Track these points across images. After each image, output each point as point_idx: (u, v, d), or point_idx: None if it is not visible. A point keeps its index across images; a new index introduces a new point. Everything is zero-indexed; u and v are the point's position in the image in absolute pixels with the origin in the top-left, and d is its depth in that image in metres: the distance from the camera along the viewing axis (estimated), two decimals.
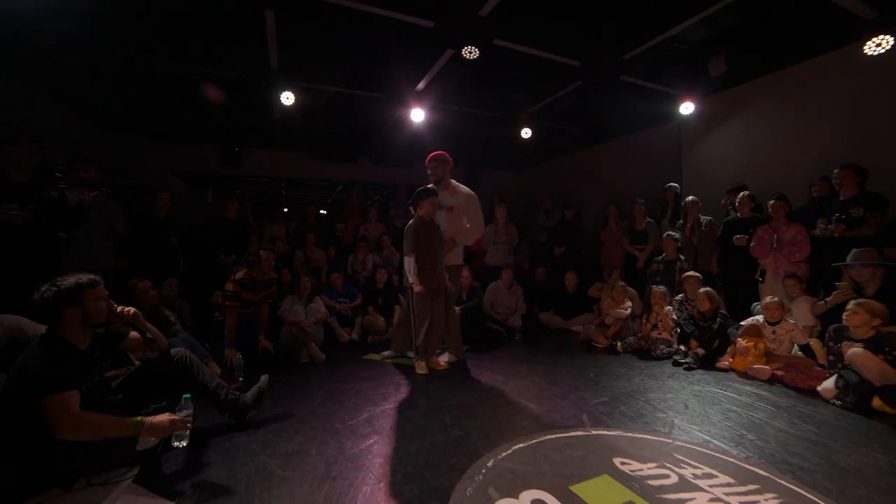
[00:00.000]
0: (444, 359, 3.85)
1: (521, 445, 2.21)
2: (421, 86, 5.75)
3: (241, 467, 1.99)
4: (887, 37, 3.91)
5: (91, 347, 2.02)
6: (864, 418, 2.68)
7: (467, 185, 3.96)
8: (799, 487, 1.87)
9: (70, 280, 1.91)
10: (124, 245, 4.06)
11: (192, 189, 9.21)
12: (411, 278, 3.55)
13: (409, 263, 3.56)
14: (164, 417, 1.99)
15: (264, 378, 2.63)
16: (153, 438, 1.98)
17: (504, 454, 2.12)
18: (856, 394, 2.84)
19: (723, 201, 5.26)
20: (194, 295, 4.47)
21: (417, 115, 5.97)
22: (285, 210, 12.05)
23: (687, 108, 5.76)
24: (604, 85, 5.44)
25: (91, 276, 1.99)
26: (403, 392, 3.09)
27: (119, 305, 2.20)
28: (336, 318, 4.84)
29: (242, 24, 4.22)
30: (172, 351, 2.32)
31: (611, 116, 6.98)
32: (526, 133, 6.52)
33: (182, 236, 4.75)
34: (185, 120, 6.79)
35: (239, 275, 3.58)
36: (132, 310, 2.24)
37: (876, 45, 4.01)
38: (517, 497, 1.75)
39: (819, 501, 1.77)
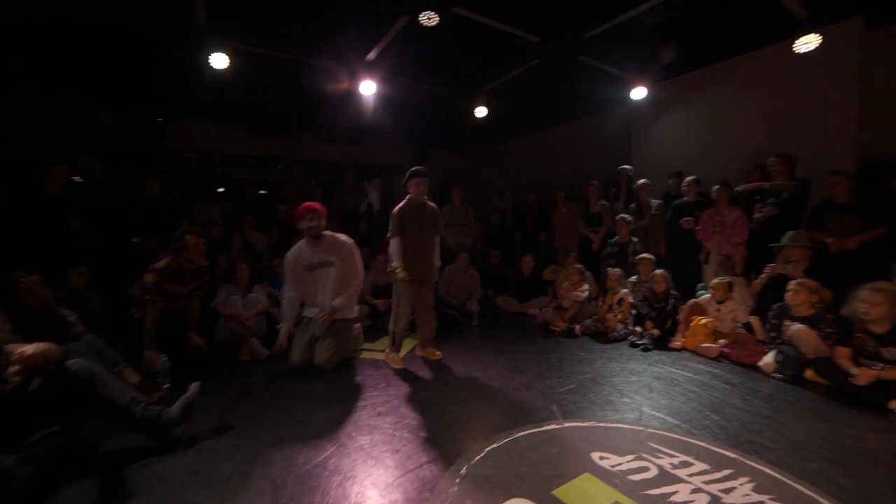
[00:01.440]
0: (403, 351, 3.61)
1: (495, 446, 2.04)
2: (372, 55, 5.29)
3: (164, 503, 1.64)
4: (815, 35, 4.12)
5: None
6: (800, 389, 2.88)
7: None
8: (766, 467, 1.89)
9: None
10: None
11: (108, 165, 8.05)
12: (395, 263, 3.32)
13: (392, 247, 3.34)
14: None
15: (194, 386, 2.22)
16: None
17: (477, 458, 1.93)
18: (793, 367, 3.01)
19: (669, 182, 5.41)
20: (110, 287, 3.82)
21: (367, 87, 5.51)
22: (220, 190, 11.01)
23: (639, 92, 5.81)
24: (562, 64, 5.32)
25: None
26: (359, 390, 2.81)
27: None
28: (279, 309, 4.39)
29: None
30: (68, 363, 1.86)
31: (566, 98, 6.94)
32: (481, 111, 6.29)
33: (85, 217, 4.00)
34: (96, 81, 5.80)
35: (161, 263, 3.05)
36: None
37: (804, 44, 4.21)
38: None
39: (785, 480, 1.79)
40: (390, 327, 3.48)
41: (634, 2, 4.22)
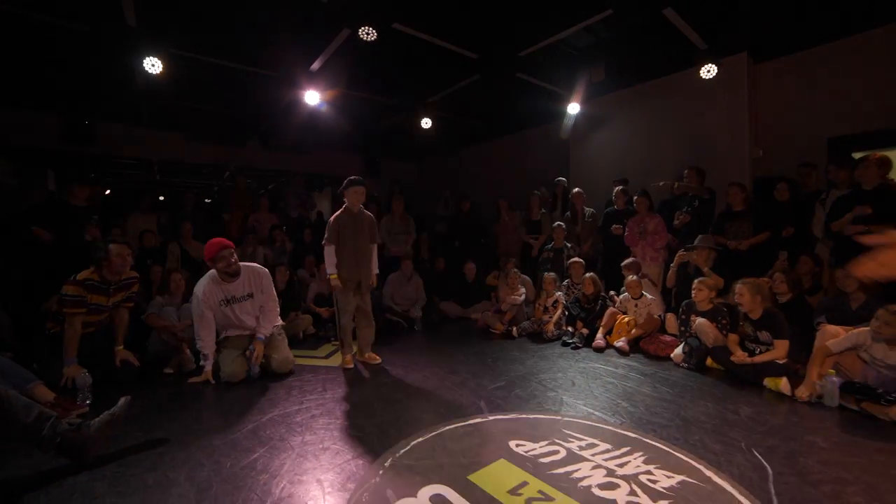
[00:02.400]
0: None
1: (420, 440, 2.17)
2: (316, 66, 5.35)
3: None
4: (713, 65, 4.71)
5: None
6: (702, 376, 3.26)
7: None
8: (658, 442, 2.16)
9: None
10: None
11: (25, 169, 7.42)
12: (329, 270, 3.42)
13: (326, 254, 3.43)
14: None
15: (123, 400, 2.13)
16: None
17: (402, 451, 2.05)
18: (696, 356, 3.39)
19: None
20: (18, 303, 3.57)
21: (312, 97, 5.55)
22: (161, 198, 10.43)
23: (574, 108, 6.26)
24: (501, 79, 5.64)
25: None
26: (295, 396, 2.85)
27: None
28: None
29: None
30: None
31: (507, 112, 7.31)
32: (426, 123, 6.50)
33: None
34: (6, 78, 5.39)
35: (84, 274, 2.92)
36: None
37: (707, 71, 4.79)
38: (416, 496, 1.70)
39: (670, 451, 2.06)
40: (338, 334, 3.57)
41: (562, 25, 4.60)
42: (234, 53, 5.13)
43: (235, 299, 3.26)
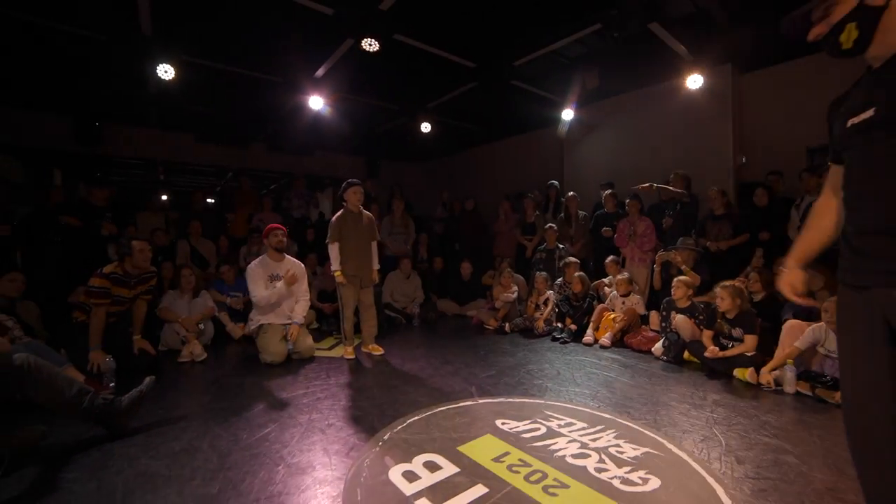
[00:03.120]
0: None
1: (416, 418, 2.41)
2: (320, 72, 5.59)
3: (115, 475, 1.84)
4: (698, 76, 4.97)
5: None
6: (679, 367, 3.52)
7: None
8: (630, 422, 2.40)
9: None
10: None
11: (33, 169, 7.66)
12: (333, 266, 3.70)
13: (331, 252, 3.71)
14: None
15: (148, 380, 2.38)
16: None
17: (399, 427, 2.30)
18: (675, 350, 3.63)
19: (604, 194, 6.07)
20: (45, 294, 3.81)
21: (316, 102, 5.80)
22: (164, 198, 10.69)
23: (568, 114, 6.51)
24: (496, 87, 5.88)
25: None
26: (301, 381, 3.09)
27: None
28: (227, 313, 4.54)
29: None
30: (14, 356, 2.02)
31: (503, 117, 7.55)
32: (426, 127, 6.74)
33: (21, 224, 3.96)
34: (20, 81, 5.64)
35: (108, 268, 3.17)
36: None
37: (693, 82, 5.05)
38: (410, 462, 1.94)
39: (640, 429, 2.31)
40: (342, 325, 3.84)
41: (554, 37, 4.85)
42: (242, 60, 5.37)
43: (279, 277, 3.80)
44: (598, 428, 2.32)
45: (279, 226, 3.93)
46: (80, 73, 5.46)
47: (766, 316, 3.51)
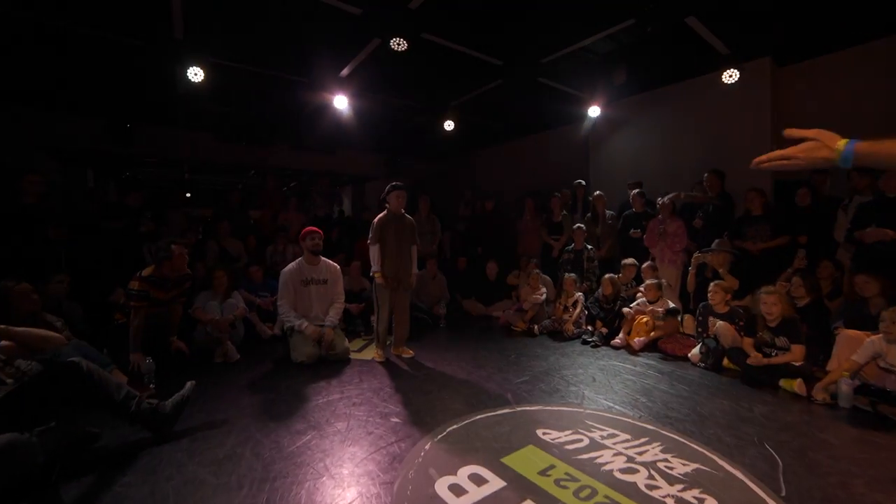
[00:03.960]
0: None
1: (455, 427, 2.38)
2: (345, 72, 5.59)
3: (166, 481, 1.87)
4: (735, 70, 4.77)
5: None
6: (718, 375, 3.40)
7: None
8: (675, 434, 2.33)
9: None
10: None
11: (67, 168, 7.90)
12: (374, 267, 3.72)
13: (371, 253, 3.73)
14: None
15: (190, 384, 2.43)
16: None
17: (440, 436, 2.27)
18: (713, 357, 3.51)
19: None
20: (87, 295, 3.91)
21: (341, 101, 5.80)
22: (188, 195, 10.92)
23: (594, 111, 6.37)
24: (522, 85, 5.78)
25: None
26: (335, 385, 3.10)
27: None
28: (257, 313, 4.60)
29: None
30: (68, 360, 2.06)
31: (528, 114, 7.43)
32: (449, 125, 6.69)
33: (69, 227, 4.07)
34: (59, 86, 5.79)
35: (147, 272, 3.23)
36: None
37: (729, 77, 4.86)
38: (455, 474, 1.91)
39: (686, 442, 2.23)
40: (375, 327, 3.87)
41: (584, 34, 4.72)
42: (269, 61, 5.40)
43: (314, 280, 3.88)
44: (643, 440, 2.25)
45: (316, 229, 3.96)
46: (114, 77, 5.57)
47: (811, 323, 3.37)
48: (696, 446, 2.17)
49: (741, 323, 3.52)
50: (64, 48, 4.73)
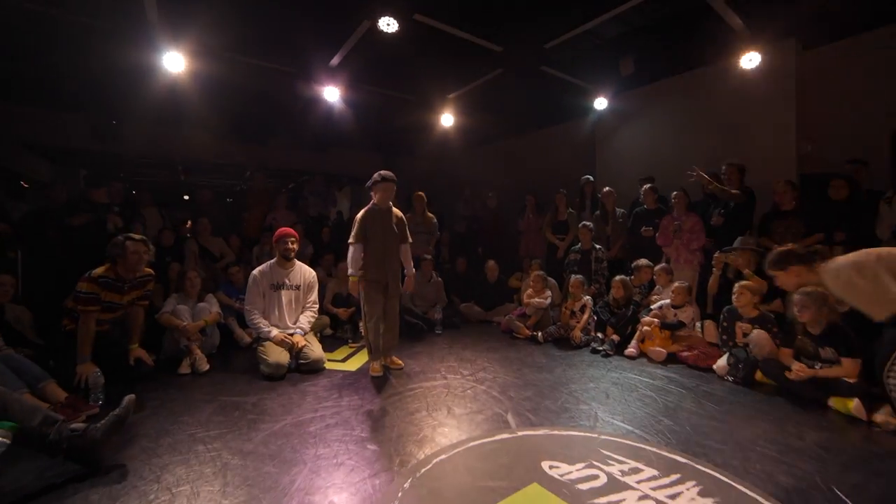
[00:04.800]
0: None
1: (443, 457, 1.97)
2: (335, 61, 5.23)
3: None
4: (756, 53, 4.36)
5: None
6: (750, 391, 2.95)
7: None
8: (712, 470, 1.90)
9: None
10: None
11: (60, 169, 7.62)
12: (350, 270, 3.23)
13: (350, 252, 3.24)
14: None
15: (128, 399, 2.01)
16: None
17: (423, 470, 1.86)
18: (744, 369, 3.08)
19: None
20: (40, 298, 3.54)
21: (331, 93, 5.45)
22: (185, 197, 10.61)
23: (601, 103, 5.97)
24: (525, 74, 5.40)
25: None
26: (310, 402, 2.69)
27: None
28: (235, 318, 4.22)
29: None
30: None
31: (530, 107, 7.05)
32: (447, 120, 6.31)
33: (18, 223, 3.71)
34: (37, 78, 5.48)
35: (99, 271, 2.85)
36: None
37: (749, 60, 4.45)
38: None
39: (730, 482, 1.80)
40: (364, 336, 3.39)
41: (590, 14, 4.34)
42: (252, 48, 5.05)
43: (285, 286, 3.57)
44: (674, 478, 1.83)
45: (291, 231, 3.65)
46: (89, 68, 5.25)
47: (856, 331, 2.92)
48: (742, 488, 1.74)
49: (775, 330, 3.09)
50: (35, 32, 4.41)
